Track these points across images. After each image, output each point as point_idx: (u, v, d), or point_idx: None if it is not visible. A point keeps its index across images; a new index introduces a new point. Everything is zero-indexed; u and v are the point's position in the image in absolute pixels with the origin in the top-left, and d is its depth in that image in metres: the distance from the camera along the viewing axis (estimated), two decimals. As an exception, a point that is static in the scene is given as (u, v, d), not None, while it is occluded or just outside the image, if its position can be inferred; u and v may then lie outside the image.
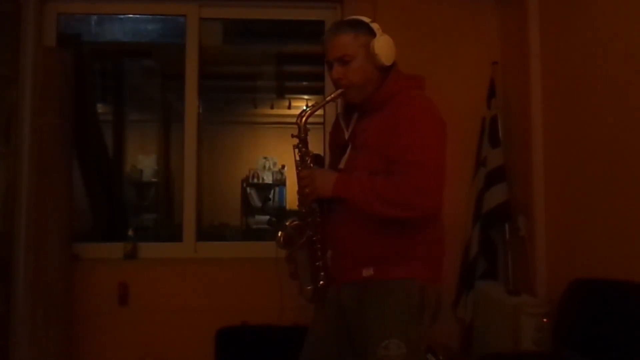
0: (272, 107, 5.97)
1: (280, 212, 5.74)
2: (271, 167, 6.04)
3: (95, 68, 4.04)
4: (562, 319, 2.09)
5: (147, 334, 2.77)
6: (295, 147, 1.70)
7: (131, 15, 3.35)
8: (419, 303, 1.62)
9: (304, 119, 1.68)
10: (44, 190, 2.62)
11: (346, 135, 1.74)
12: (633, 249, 1.86)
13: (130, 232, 2.89)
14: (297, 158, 1.71)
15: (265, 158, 6.05)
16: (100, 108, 4.02)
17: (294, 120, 1.69)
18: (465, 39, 2.88)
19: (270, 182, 6.02)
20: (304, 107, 1.71)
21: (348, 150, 1.71)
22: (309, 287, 1.74)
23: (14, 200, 2.67)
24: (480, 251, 2.70)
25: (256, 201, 6.02)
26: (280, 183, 6.01)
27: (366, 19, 1.69)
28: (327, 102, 1.75)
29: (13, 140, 2.69)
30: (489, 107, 2.77)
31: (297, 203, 1.74)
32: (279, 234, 1.74)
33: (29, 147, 2.71)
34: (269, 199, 5.99)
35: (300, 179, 1.68)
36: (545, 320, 2.20)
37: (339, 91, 1.67)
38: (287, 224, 1.72)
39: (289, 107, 5.70)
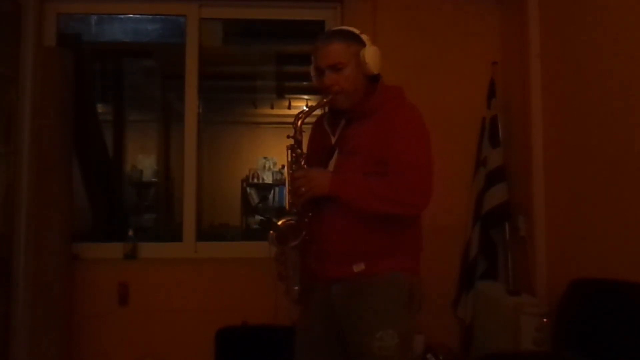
0: (272, 107, 5.96)
1: (280, 212, 5.72)
2: (271, 167, 6.04)
3: (95, 68, 4.03)
4: (562, 319, 2.09)
5: (147, 334, 2.77)
6: (288, 147, 1.75)
7: (131, 15, 3.34)
8: (408, 294, 1.70)
9: (300, 121, 1.73)
10: (44, 190, 2.62)
11: (332, 140, 1.78)
12: (633, 249, 1.86)
13: (130, 232, 2.89)
14: (290, 159, 1.75)
15: (265, 158, 6.04)
16: (100, 108, 4.01)
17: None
18: (465, 39, 2.88)
19: (270, 182, 6.02)
20: (304, 108, 1.74)
21: (335, 155, 1.75)
22: (296, 288, 1.76)
23: (14, 200, 2.67)
24: (480, 251, 2.70)
25: (256, 201, 6.02)
26: (280, 183, 5.99)
27: (356, 30, 1.77)
28: (322, 105, 1.80)
29: (13, 140, 2.69)
30: (489, 107, 2.78)
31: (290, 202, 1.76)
32: (271, 232, 1.74)
33: (29, 147, 2.70)
34: (266, 199, 5.99)
35: (294, 179, 1.70)
36: (545, 320, 2.20)
37: (331, 96, 1.73)
38: (280, 223, 1.71)
39: (289, 107, 5.68)
